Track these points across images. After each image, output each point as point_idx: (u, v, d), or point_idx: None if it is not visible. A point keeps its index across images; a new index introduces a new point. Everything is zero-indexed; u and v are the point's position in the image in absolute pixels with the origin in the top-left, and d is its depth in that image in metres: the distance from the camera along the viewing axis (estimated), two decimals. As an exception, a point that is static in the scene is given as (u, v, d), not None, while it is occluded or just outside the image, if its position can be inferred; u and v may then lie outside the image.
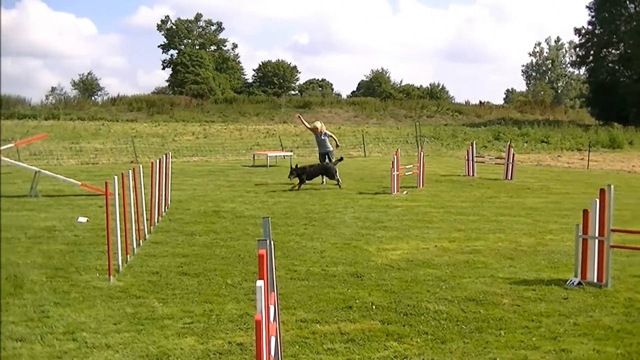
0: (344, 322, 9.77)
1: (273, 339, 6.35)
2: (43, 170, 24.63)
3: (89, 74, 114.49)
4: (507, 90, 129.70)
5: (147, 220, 16.34)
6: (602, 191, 11.56)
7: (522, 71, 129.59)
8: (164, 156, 19.67)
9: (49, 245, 15.03)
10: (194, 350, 8.58)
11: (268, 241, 5.96)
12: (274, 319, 6.73)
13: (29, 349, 8.57)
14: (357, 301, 10.75)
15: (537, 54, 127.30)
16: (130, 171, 14.55)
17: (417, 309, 10.37)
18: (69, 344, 8.80)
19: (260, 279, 5.31)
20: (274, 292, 6.80)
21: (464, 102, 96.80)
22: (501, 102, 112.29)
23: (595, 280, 11.74)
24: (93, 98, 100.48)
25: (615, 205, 12.06)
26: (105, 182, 12.29)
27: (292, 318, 9.82)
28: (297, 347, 8.70)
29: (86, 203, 21.87)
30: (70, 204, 21.69)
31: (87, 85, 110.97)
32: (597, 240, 11.73)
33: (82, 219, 18.35)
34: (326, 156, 28.54)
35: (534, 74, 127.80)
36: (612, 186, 11.54)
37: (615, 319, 9.96)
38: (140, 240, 15.08)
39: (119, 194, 12.53)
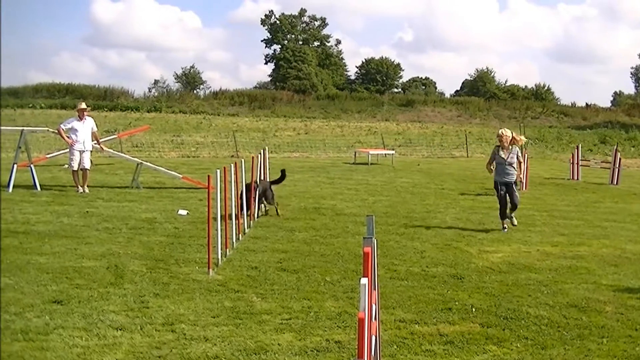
0: (443, 323, 9.73)
1: (373, 338, 6.36)
2: (145, 162, 25.05)
3: (191, 67, 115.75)
4: (615, 93, 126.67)
5: (247, 215, 16.51)
6: None
7: (631, 73, 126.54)
8: (262, 151, 19.83)
9: (150, 237, 15.28)
10: (291, 346, 8.64)
11: (373, 239, 5.96)
12: (375, 318, 6.74)
13: (128, 338, 8.73)
14: (456, 303, 10.70)
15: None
16: (232, 165, 14.71)
17: (517, 313, 10.28)
18: (168, 335, 8.94)
19: (364, 276, 5.32)
20: (376, 291, 6.81)
21: (570, 104, 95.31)
22: (608, 104, 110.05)
23: None
24: (195, 91, 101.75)
25: None
26: (208, 176, 12.44)
27: (390, 318, 9.82)
28: (395, 347, 8.69)
29: (187, 196, 22.18)
30: (171, 197, 22.03)
31: (190, 79, 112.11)
32: None
33: (183, 212, 18.61)
34: (510, 185, 17.48)
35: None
36: None
37: None
38: (240, 235, 15.22)
39: (220, 188, 12.68)
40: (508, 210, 17.47)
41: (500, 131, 17.86)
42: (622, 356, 8.53)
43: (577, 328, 9.62)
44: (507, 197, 17.33)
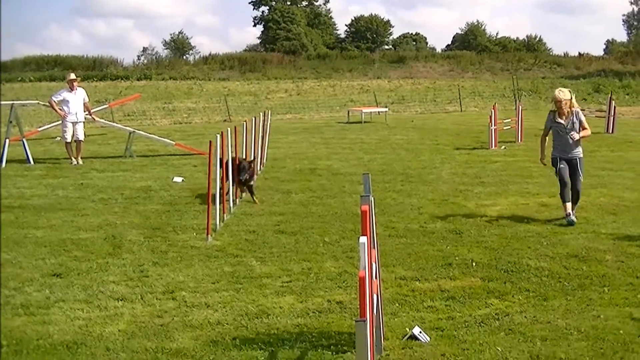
0: (443, 279, 9.77)
1: (375, 297, 6.37)
2: (138, 131, 25.02)
3: (180, 33, 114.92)
4: (607, 41, 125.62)
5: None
6: None
7: (623, 21, 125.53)
8: (261, 114, 19.78)
9: (146, 206, 15.29)
10: (293, 308, 8.67)
11: (370, 197, 5.96)
12: (376, 276, 6.75)
13: (130, 308, 8.76)
14: (456, 258, 10.73)
15: (639, 2, 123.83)
16: (229, 129, 14.69)
17: (518, 265, 10.32)
18: (169, 303, 8.97)
19: (363, 235, 5.32)
20: (375, 249, 6.82)
21: (562, 54, 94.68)
22: (601, 53, 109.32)
23: None
24: (185, 57, 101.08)
25: None
26: (210, 142, 12.39)
27: (391, 276, 9.85)
28: (397, 304, 8.73)
29: (180, 163, 22.16)
30: (165, 164, 22.02)
31: (179, 45, 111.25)
32: None
33: (178, 179, 18.60)
34: (574, 164, 13.52)
35: (635, 23, 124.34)
36: None
37: None
38: (237, 199, 15.21)
39: (218, 153, 12.69)
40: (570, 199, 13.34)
41: (556, 93, 13.63)
42: (623, 304, 8.57)
43: (578, 278, 9.66)
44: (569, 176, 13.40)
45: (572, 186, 13.35)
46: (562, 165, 13.37)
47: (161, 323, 8.22)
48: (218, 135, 12.83)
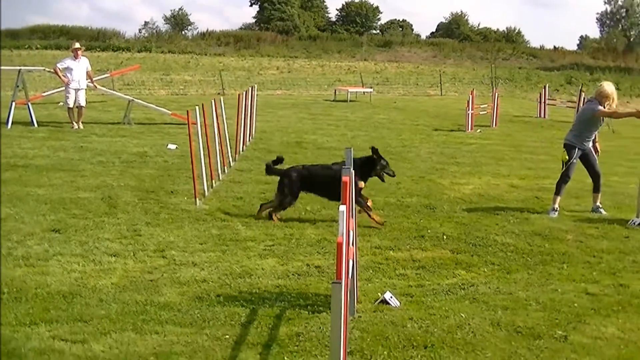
0: (416, 250, 9.90)
1: (351, 262, 6.47)
2: (136, 100, 24.97)
3: (180, 9, 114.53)
4: (581, 37, 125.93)
5: (231, 148, 16.56)
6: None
7: (597, 18, 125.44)
8: (250, 89, 19.81)
9: (141, 170, 15.36)
10: (274, 270, 8.78)
11: (351, 170, 6.05)
12: (353, 244, 6.85)
13: (122, 264, 8.86)
14: (429, 231, 10.85)
15: (612, 2, 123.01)
16: (212, 101, 14.77)
17: (485, 240, 10.46)
18: (159, 260, 9.07)
19: (343, 204, 5.41)
20: (353, 219, 6.92)
21: (539, 47, 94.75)
22: (575, 47, 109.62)
23: (657, 221, 11.54)
24: (183, 32, 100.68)
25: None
26: (187, 111, 12.50)
27: (367, 244, 9.97)
28: (371, 271, 8.85)
29: (175, 131, 22.16)
30: (160, 132, 22.05)
31: (178, 20, 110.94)
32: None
33: (172, 146, 18.64)
34: (588, 151, 12.84)
35: (607, 21, 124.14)
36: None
37: (678, 257, 9.91)
38: (225, 167, 15.27)
39: (201, 123, 12.76)
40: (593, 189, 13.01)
41: (613, 90, 12.39)
42: (580, 280, 8.71)
43: (540, 254, 9.81)
44: (574, 169, 12.74)
45: (592, 172, 12.84)
46: (574, 162, 12.61)
47: (151, 279, 8.32)
48: (197, 107, 12.97)
